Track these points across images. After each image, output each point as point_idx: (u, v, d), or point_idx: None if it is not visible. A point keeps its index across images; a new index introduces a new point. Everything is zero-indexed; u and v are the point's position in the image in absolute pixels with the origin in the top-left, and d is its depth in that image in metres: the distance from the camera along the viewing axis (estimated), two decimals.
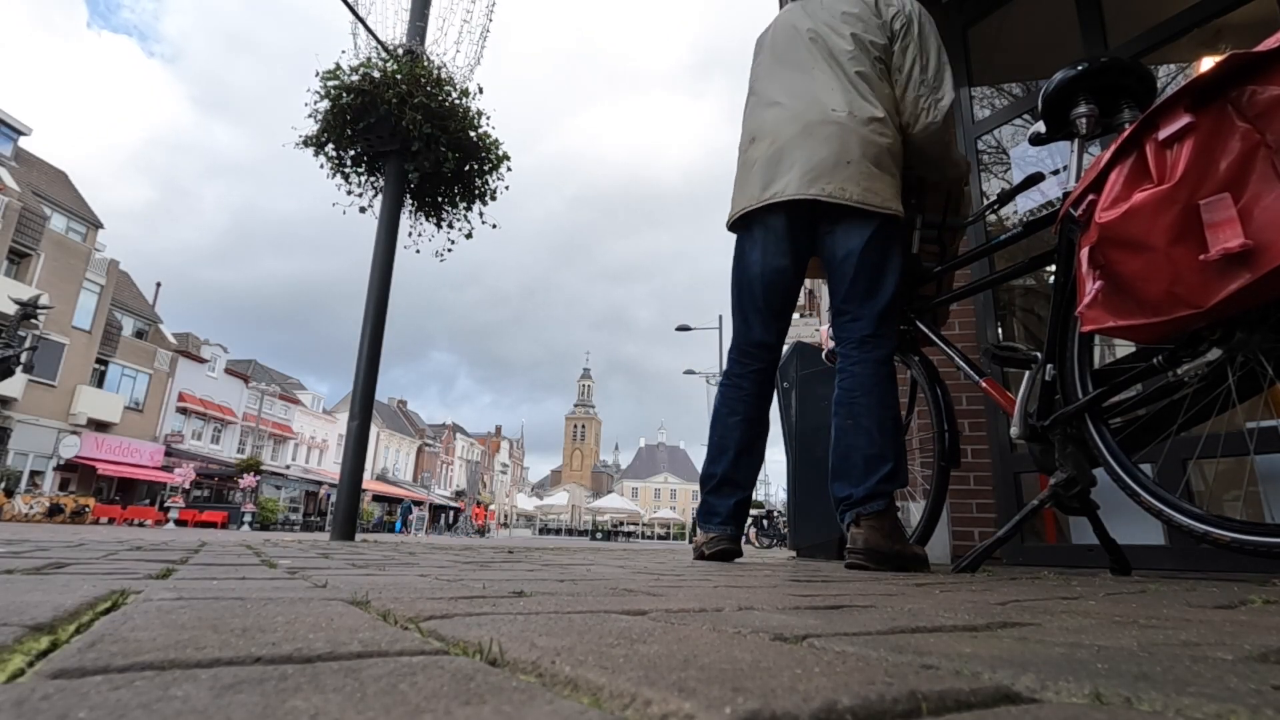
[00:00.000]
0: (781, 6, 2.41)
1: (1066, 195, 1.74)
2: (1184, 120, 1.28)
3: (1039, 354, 1.88)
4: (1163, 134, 1.31)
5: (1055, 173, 2.29)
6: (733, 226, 2.31)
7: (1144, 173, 1.36)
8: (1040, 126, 1.95)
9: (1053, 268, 1.87)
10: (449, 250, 5.63)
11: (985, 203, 2.36)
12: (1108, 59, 1.83)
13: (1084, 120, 1.84)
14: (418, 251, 5.60)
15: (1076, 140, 1.89)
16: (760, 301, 2.24)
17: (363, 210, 5.21)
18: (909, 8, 2.24)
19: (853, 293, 2.11)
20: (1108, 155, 1.45)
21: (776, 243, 2.18)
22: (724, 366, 2.37)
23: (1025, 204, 3.46)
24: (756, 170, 2.19)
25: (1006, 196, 2.25)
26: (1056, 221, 1.74)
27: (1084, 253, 1.49)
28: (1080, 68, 1.83)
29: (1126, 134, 1.41)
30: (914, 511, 3.09)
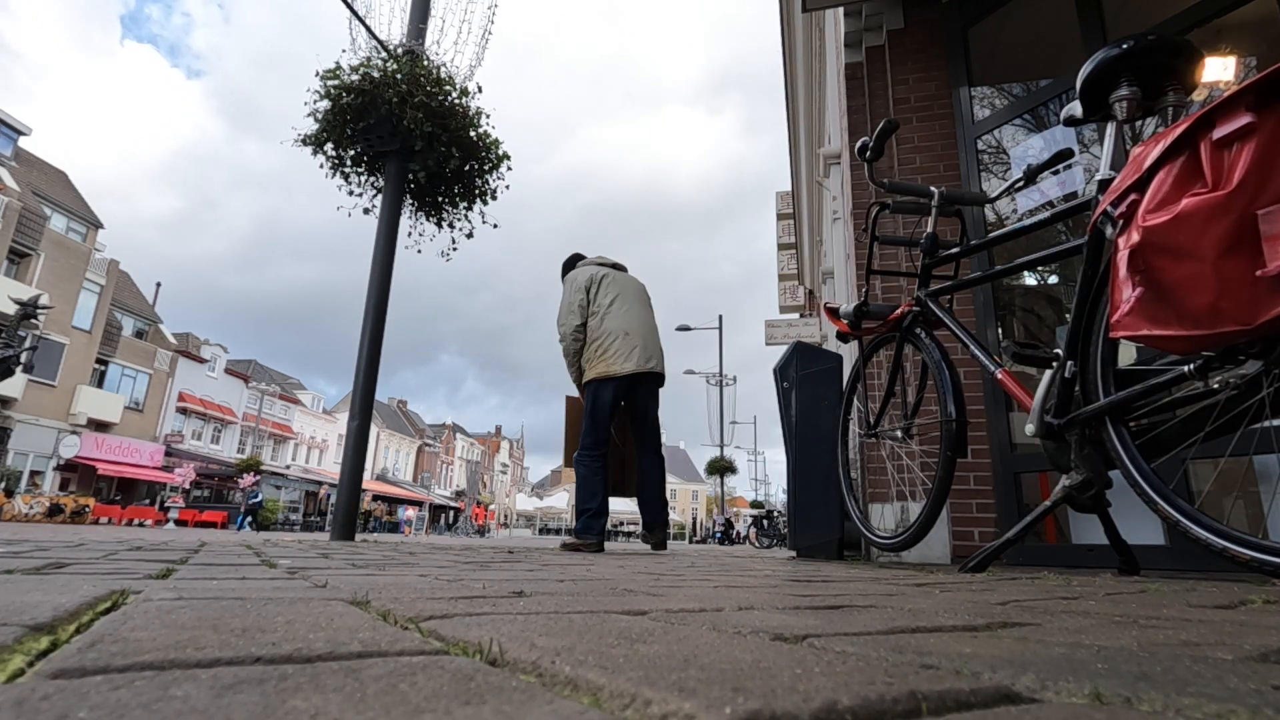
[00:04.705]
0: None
1: (1103, 184, 1.65)
2: (1245, 120, 1.18)
3: (1060, 352, 1.83)
4: (1219, 133, 1.22)
5: (1052, 168, 2.23)
6: (600, 379, 4.01)
7: (1196, 175, 1.26)
8: (1075, 108, 1.82)
9: (1056, 266, 1.82)
10: (454, 249, 5.64)
11: (1007, 183, 2.26)
12: (1155, 36, 1.68)
13: (1125, 103, 1.71)
14: (419, 251, 5.60)
15: (1113, 124, 1.77)
16: (608, 417, 4.00)
17: (366, 212, 5.21)
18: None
19: (654, 432, 4.22)
20: (1155, 152, 1.35)
21: (621, 388, 4.02)
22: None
23: (1025, 203, 3.46)
24: (637, 352, 4.01)
25: (1033, 173, 2.15)
26: (1093, 219, 1.64)
27: (1122, 255, 1.40)
28: (1125, 46, 1.69)
29: (1179, 131, 1.31)
30: (913, 511, 3.09)
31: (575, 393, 4.41)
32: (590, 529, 3.94)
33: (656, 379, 4.14)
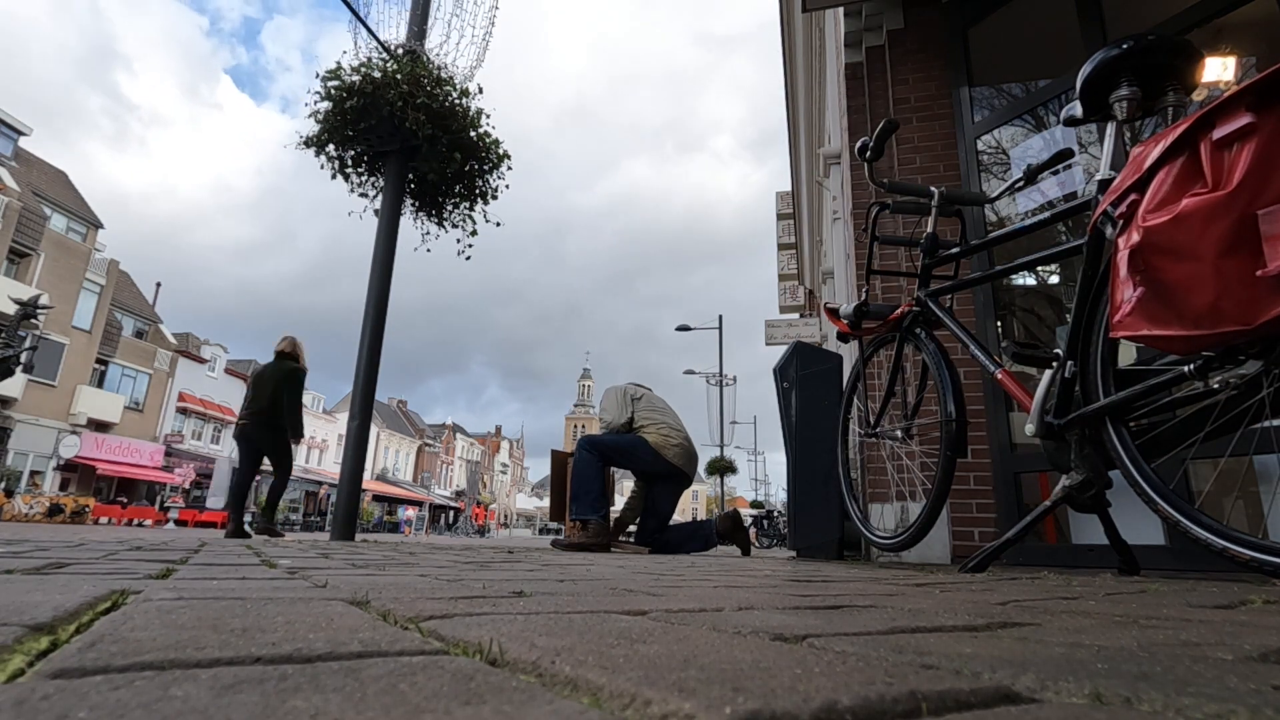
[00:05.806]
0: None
1: (1103, 184, 1.66)
2: (1245, 120, 1.18)
3: (1060, 352, 1.82)
4: (1219, 133, 1.22)
5: (1052, 168, 2.22)
6: (651, 445, 4.31)
7: (1196, 175, 1.26)
8: (1075, 108, 1.82)
9: (1056, 266, 1.81)
10: (469, 246, 5.65)
11: (1007, 183, 2.26)
12: (1155, 36, 1.68)
13: (1124, 103, 1.70)
14: (429, 250, 5.60)
15: (1113, 124, 1.77)
16: (627, 459, 4.30)
17: (377, 214, 5.20)
18: None
19: (664, 517, 4.47)
20: (1156, 152, 1.35)
21: (660, 468, 4.33)
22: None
23: (1025, 203, 3.46)
24: (685, 450, 4.39)
25: (1033, 173, 2.15)
26: (1093, 219, 1.65)
27: (1122, 255, 1.40)
28: (1125, 46, 1.68)
29: (1179, 131, 1.31)
30: (913, 511, 3.09)
31: (561, 447, 4.58)
32: (594, 509, 3.96)
33: (688, 481, 4.52)
